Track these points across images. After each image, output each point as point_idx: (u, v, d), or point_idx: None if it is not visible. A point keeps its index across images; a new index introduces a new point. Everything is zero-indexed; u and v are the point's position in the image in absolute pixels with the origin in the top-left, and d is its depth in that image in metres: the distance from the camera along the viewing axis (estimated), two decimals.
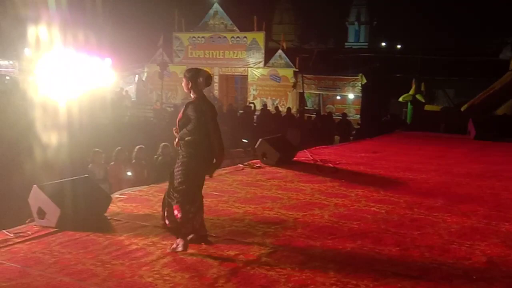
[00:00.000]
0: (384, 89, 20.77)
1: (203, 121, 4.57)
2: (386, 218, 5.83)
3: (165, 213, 4.66)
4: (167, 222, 4.65)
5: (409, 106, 18.63)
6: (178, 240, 4.54)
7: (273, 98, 23.38)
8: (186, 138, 4.57)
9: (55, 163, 7.72)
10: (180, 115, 4.71)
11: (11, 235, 4.89)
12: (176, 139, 4.71)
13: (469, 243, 5.00)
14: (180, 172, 4.57)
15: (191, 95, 4.69)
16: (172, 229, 4.62)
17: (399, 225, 5.58)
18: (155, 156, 9.12)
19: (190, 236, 4.61)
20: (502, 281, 4.16)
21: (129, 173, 8.58)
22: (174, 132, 4.75)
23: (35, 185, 5.26)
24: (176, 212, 4.55)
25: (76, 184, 5.53)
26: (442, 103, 19.76)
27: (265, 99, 23.25)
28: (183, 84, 4.74)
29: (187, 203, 4.54)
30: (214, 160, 4.68)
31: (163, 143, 9.17)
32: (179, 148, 4.67)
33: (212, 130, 4.63)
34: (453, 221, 5.75)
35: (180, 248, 4.49)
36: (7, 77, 31.19)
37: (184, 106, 4.72)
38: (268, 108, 19.44)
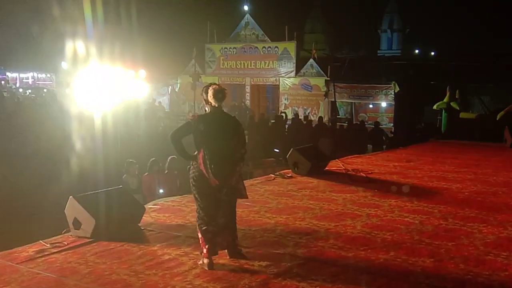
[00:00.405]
0: (418, 97, 20.49)
1: (198, 140, 4.55)
2: (420, 229, 5.74)
3: None
4: None
5: (444, 114, 18.29)
6: (203, 256, 4.52)
7: (305, 107, 23.34)
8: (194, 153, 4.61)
9: (91, 174, 7.89)
10: None
11: (48, 245, 5.02)
12: None
13: (506, 254, 4.88)
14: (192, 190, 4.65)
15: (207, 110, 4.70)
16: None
17: (433, 235, 5.49)
18: (188, 166, 9.19)
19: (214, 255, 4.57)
20: None
21: (161, 191, 8.67)
22: None
23: (71, 196, 5.39)
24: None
25: (110, 195, 5.64)
26: (478, 111, 19.37)
27: (296, 108, 23.23)
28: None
29: (202, 224, 4.54)
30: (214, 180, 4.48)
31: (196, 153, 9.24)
32: None
33: (209, 148, 4.51)
34: (489, 232, 5.63)
35: (205, 267, 4.45)
36: (45, 90, 32.10)
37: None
38: (300, 117, 19.40)
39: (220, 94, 4.59)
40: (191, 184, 4.61)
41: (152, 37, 25.50)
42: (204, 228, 4.51)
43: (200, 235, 4.55)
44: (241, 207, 6.57)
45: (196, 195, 4.59)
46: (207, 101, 4.62)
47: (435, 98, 18.58)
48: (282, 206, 6.79)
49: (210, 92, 4.57)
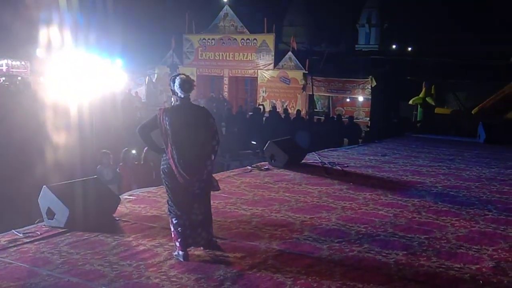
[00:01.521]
0: (394, 91, 20.68)
1: (165, 134, 4.39)
2: (393, 222, 5.82)
3: None
4: None
5: (419, 109, 18.54)
6: (177, 248, 4.49)
7: (283, 100, 23.37)
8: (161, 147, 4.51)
9: (65, 164, 7.79)
10: None
11: (20, 235, 4.95)
12: None
13: (477, 248, 4.99)
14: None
15: (173, 102, 4.56)
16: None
17: (406, 229, 5.57)
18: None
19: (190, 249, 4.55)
20: (509, 286, 4.15)
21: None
22: None
23: (45, 186, 5.33)
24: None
25: (85, 185, 5.58)
26: (453, 106, 19.63)
27: (274, 101, 23.25)
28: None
29: (174, 217, 4.49)
30: (184, 175, 4.36)
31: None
32: None
33: (176, 142, 4.36)
34: (461, 226, 5.74)
35: (180, 258, 4.43)
36: (19, 78, 31.49)
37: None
38: (278, 110, 19.42)
39: (187, 85, 4.41)
40: (161, 177, 4.54)
41: (129, 25, 25.15)
42: (175, 221, 4.46)
43: (172, 228, 4.52)
44: (218, 198, 6.58)
45: (167, 188, 4.52)
46: (174, 92, 4.47)
47: (411, 93, 18.80)
48: (258, 198, 6.81)
49: (177, 82, 4.40)
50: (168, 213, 4.56)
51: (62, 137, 9.20)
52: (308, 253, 4.73)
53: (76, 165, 8.00)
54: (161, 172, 4.52)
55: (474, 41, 28.81)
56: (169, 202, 4.52)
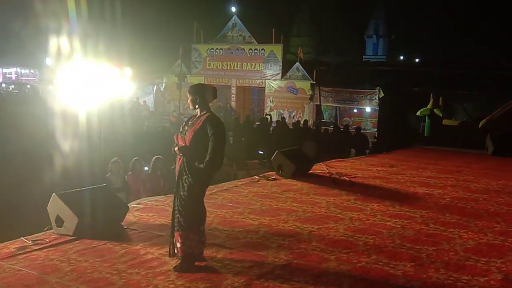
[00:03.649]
0: (402, 103, 20.67)
1: (224, 136, 4.42)
2: (401, 233, 5.81)
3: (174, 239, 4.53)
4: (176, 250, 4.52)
5: (427, 120, 18.51)
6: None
7: (290, 110, 23.43)
8: (206, 157, 4.30)
9: (74, 172, 7.83)
10: (193, 131, 4.41)
11: (30, 242, 4.98)
12: (180, 157, 4.44)
13: (485, 260, 4.96)
14: (187, 195, 4.39)
15: (200, 111, 4.49)
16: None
17: (414, 240, 5.55)
18: (172, 167, 9.18)
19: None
20: None
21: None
22: (176, 151, 4.45)
23: (54, 194, 5.36)
24: (177, 242, 4.45)
25: (94, 193, 5.61)
26: (460, 118, 19.60)
27: (281, 111, 23.30)
28: (189, 101, 4.54)
29: (189, 230, 4.40)
30: None
31: None
32: (184, 167, 4.39)
33: (225, 144, 4.46)
34: (469, 237, 5.71)
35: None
36: (28, 86, 31.73)
37: (198, 121, 4.44)
38: (286, 120, 19.45)
39: (216, 93, 4.67)
40: (192, 186, 4.38)
41: (138, 35, 25.35)
42: (191, 236, 4.42)
43: (180, 246, 4.44)
44: (225, 208, 6.62)
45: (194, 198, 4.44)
46: (204, 103, 4.50)
47: (419, 104, 18.77)
48: (265, 208, 6.82)
49: (209, 93, 4.56)
50: (184, 227, 4.41)
51: (71, 145, 9.24)
52: (316, 263, 4.72)
53: (85, 173, 8.03)
54: (201, 180, 4.42)
55: (481, 51, 28.76)
56: (189, 214, 4.42)
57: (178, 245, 4.42)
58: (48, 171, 7.80)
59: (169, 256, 4.60)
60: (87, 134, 9.54)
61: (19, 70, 35.88)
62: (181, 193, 4.40)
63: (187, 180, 4.36)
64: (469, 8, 33.53)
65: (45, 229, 5.39)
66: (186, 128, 4.49)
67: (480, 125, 16.17)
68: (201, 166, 4.29)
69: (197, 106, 4.50)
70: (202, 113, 4.49)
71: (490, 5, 32.68)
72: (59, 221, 5.25)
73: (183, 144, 4.43)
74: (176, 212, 4.44)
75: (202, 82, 25.48)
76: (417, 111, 18.76)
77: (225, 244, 5.09)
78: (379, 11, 39.70)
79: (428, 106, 18.24)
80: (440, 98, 18.47)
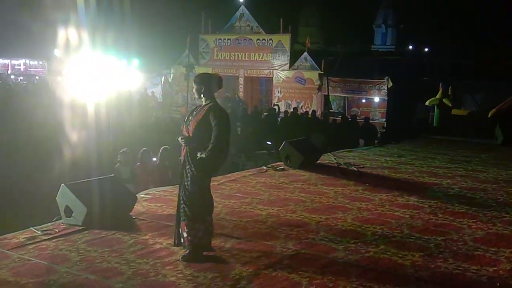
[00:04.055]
0: (411, 92, 20.54)
1: (229, 125, 4.40)
2: (410, 223, 5.79)
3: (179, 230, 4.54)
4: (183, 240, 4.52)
5: (436, 110, 18.40)
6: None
7: (298, 101, 23.35)
8: (209, 146, 4.31)
9: (83, 162, 7.88)
10: (196, 121, 4.41)
11: (39, 232, 5.01)
12: (184, 148, 4.45)
13: (494, 250, 4.94)
14: (191, 185, 4.40)
15: (205, 101, 4.48)
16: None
17: (423, 230, 5.54)
18: (179, 158, 9.20)
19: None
20: None
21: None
22: (180, 141, 4.46)
23: (63, 184, 5.39)
24: (183, 231, 4.46)
25: (102, 183, 5.64)
26: (470, 108, 19.45)
27: (289, 102, 23.24)
28: (194, 90, 4.54)
29: (197, 221, 4.41)
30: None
31: None
32: (188, 157, 4.41)
33: (229, 133, 4.44)
34: (478, 227, 5.69)
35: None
36: (37, 77, 31.89)
37: (201, 111, 4.44)
38: (291, 110, 19.41)
39: (222, 83, 4.62)
40: (196, 175, 4.39)
41: (146, 26, 25.35)
42: (197, 226, 4.44)
43: (187, 236, 4.45)
44: (233, 198, 6.63)
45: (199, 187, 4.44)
46: (209, 92, 4.48)
47: (428, 94, 18.66)
48: (273, 198, 6.82)
49: (215, 82, 4.52)
50: (190, 217, 4.43)
51: (80, 135, 9.30)
52: (324, 253, 4.72)
53: (93, 163, 8.08)
54: (205, 168, 4.41)
55: (490, 41, 28.50)
56: (195, 203, 4.43)
57: (185, 234, 4.44)
58: (57, 161, 7.86)
59: (174, 246, 4.63)
60: (95, 125, 9.59)
61: (27, 61, 36.03)
62: (185, 183, 4.42)
63: (190, 170, 4.38)
64: None
65: (54, 219, 5.43)
66: (190, 118, 4.50)
67: (489, 115, 16.04)
68: (203, 156, 4.30)
69: (202, 96, 4.50)
70: (206, 103, 4.48)
71: None
72: (68, 211, 5.29)
73: (187, 135, 4.43)
74: (181, 202, 4.45)
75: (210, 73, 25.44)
76: (426, 101, 18.66)
77: (233, 234, 5.10)
78: (388, 1, 39.39)
79: (437, 96, 18.13)
80: (449, 87, 18.35)
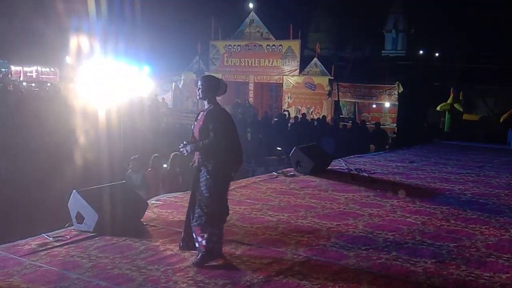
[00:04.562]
0: (422, 97, 20.46)
1: (229, 128, 4.47)
2: (421, 230, 5.75)
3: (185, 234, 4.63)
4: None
5: (447, 115, 18.31)
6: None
7: (308, 106, 23.34)
8: (212, 149, 4.40)
9: (95, 169, 7.91)
10: (198, 127, 4.50)
11: (50, 239, 5.03)
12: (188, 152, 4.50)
13: (507, 257, 4.89)
14: (206, 189, 4.43)
15: (206, 104, 4.55)
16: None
17: (435, 236, 5.49)
18: (190, 163, 9.22)
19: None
20: None
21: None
22: (182, 148, 4.52)
23: (74, 190, 5.41)
24: (198, 236, 4.48)
25: (114, 190, 5.65)
26: (481, 113, 19.35)
27: (300, 107, 23.24)
28: (199, 92, 4.54)
29: (212, 226, 4.43)
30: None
31: None
32: (201, 162, 4.47)
33: (236, 135, 4.56)
34: (490, 234, 5.64)
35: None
36: (48, 84, 32.16)
37: (201, 117, 4.51)
38: (301, 116, 19.40)
39: (226, 88, 4.64)
40: (209, 179, 4.46)
41: (156, 33, 25.49)
42: (212, 230, 4.47)
43: (202, 242, 4.47)
44: (243, 204, 6.63)
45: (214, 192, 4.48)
46: (213, 96, 4.53)
47: (439, 99, 18.59)
48: (284, 204, 6.80)
49: (222, 86, 4.56)
50: (204, 222, 4.45)
51: (91, 141, 9.35)
52: (335, 260, 4.70)
53: (105, 170, 8.12)
54: (216, 172, 4.46)
55: (502, 45, 28.28)
56: (212, 208, 4.45)
57: (199, 239, 4.45)
58: (69, 168, 7.91)
59: (179, 249, 4.68)
60: (107, 131, 9.64)
61: (39, 68, 36.37)
62: (201, 188, 4.46)
63: (203, 175, 4.45)
64: (490, 2, 33.01)
65: (66, 225, 5.45)
66: (195, 123, 4.60)
67: (501, 120, 15.95)
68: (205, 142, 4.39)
69: (203, 98, 4.57)
70: (206, 107, 4.56)
71: None
72: (80, 218, 5.31)
73: (193, 140, 4.52)
74: (196, 207, 4.47)
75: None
76: (437, 106, 18.57)
77: (243, 240, 5.10)
78: (398, 5, 39.30)
79: (448, 101, 18.05)
80: (461, 92, 18.27)
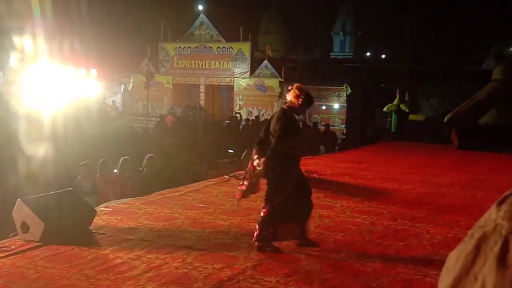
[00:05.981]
0: (369, 99, 20.94)
1: None
2: (370, 229, 5.87)
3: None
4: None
5: (394, 116, 18.81)
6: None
7: (259, 108, 23.45)
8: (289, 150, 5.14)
9: (40, 176, 7.66)
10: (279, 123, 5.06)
11: None
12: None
13: None
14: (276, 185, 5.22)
15: (285, 105, 5.22)
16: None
17: (383, 236, 5.62)
18: (141, 168, 9.09)
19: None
20: None
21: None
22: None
23: (19, 199, 5.23)
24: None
25: (60, 197, 5.51)
26: (426, 113, 19.94)
27: (251, 109, 23.32)
28: (295, 95, 5.21)
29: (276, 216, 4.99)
30: None
31: (149, 155, 9.18)
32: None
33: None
34: (436, 232, 5.81)
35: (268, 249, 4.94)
36: None
37: (287, 115, 5.12)
38: (252, 118, 19.47)
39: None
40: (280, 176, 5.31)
41: (104, 34, 24.99)
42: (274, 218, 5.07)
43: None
44: (195, 209, 6.58)
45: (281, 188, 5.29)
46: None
47: (385, 100, 19.06)
48: (236, 208, 6.79)
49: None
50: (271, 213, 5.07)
51: (36, 147, 9.04)
52: (287, 262, 4.73)
53: (51, 177, 7.88)
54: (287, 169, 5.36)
55: (445, 47, 29.32)
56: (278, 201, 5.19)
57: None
58: (12, 175, 7.62)
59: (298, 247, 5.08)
60: (53, 136, 9.37)
61: None
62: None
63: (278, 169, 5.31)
64: (435, 5, 34.14)
65: (10, 235, 5.27)
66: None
67: (445, 120, 16.51)
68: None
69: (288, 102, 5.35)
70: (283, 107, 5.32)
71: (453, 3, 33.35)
72: (25, 227, 5.14)
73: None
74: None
75: (170, 81, 25.33)
76: (384, 107, 19.04)
77: (195, 245, 5.06)
78: (346, 8, 40.06)
79: (395, 102, 18.54)
80: (406, 93, 18.79)
